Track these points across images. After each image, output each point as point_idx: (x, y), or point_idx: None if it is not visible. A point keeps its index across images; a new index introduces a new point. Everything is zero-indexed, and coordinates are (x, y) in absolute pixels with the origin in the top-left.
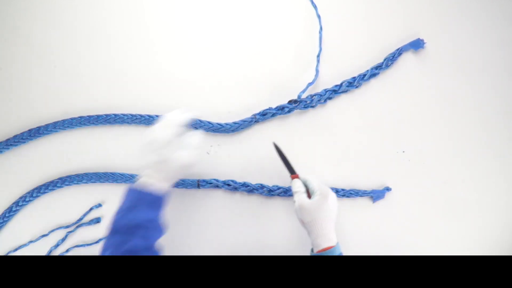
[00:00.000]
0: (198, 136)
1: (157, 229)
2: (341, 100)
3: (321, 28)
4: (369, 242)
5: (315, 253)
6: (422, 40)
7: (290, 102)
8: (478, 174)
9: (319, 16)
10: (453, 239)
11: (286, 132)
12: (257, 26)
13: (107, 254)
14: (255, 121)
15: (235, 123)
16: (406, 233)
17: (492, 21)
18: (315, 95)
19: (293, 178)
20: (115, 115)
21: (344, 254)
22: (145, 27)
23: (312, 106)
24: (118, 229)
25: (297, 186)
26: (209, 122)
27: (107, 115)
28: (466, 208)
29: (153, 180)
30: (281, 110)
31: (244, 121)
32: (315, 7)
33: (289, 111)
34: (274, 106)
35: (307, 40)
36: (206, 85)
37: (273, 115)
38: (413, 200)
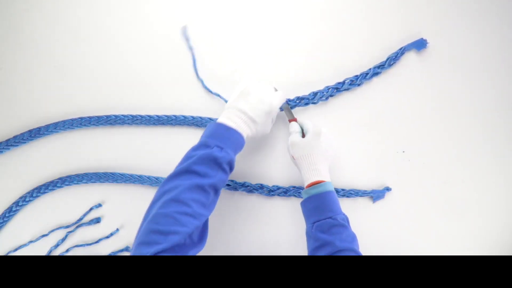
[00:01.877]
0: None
1: (229, 172)
2: (342, 99)
3: (194, 60)
4: (369, 242)
5: (305, 188)
6: (425, 40)
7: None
8: (478, 174)
9: (191, 48)
10: (453, 239)
11: (286, 131)
12: (262, 25)
13: (196, 171)
14: None
15: None
16: (406, 233)
17: (494, 21)
18: (317, 92)
19: (290, 121)
20: (116, 116)
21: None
22: (146, 28)
23: (314, 103)
24: (210, 159)
25: (293, 128)
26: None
27: (107, 116)
28: (466, 208)
29: (238, 125)
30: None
31: None
32: (187, 39)
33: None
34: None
35: (312, 41)
36: (207, 85)
37: None
38: (413, 200)
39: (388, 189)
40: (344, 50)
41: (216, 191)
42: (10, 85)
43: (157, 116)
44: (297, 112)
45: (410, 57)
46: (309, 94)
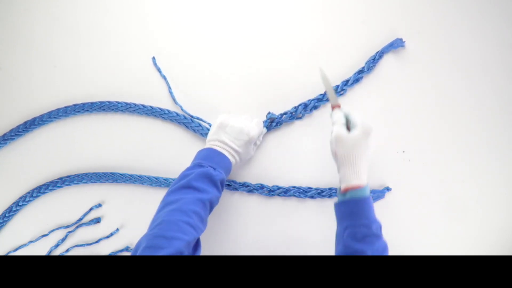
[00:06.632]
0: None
1: (221, 191)
2: (340, 101)
3: (170, 87)
4: None
5: (342, 190)
6: (401, 39)
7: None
8: (478, 174)
9: (164, 77)
10: (453, 239)
11: (285, 132)
12: (261, 25)
13: (194, 195)
14: None
15: None
16: (406, 233)
17: (480, 17)
18: (299, 105)
19: (333, 108)
20: (109, 102)
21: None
22: (145, 25)
23: (299, 118)
24: (206, 176)
25: (337, 117)
26: (199, 124)
27: (101, 102)
28: (466, 208)
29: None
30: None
31: None
32: (159, 69)
33: (276, 125)
34: (271, 106)
35: (312, 43)
36: (203, 81)
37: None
38: (413, 200)
39: (388, 189)
40: (324, 59)
41: (211, 208)
42: (6, 82)
43: (150, 106)
44: (287, 128)
45: (406, 55)
46: (291, 108)
